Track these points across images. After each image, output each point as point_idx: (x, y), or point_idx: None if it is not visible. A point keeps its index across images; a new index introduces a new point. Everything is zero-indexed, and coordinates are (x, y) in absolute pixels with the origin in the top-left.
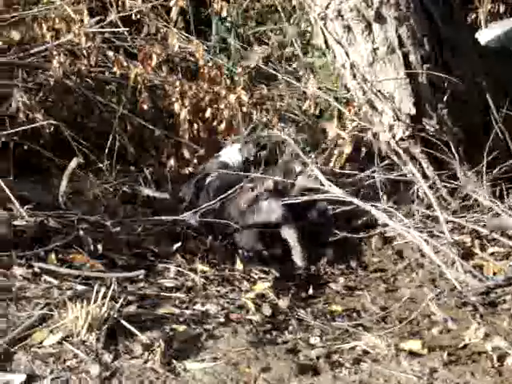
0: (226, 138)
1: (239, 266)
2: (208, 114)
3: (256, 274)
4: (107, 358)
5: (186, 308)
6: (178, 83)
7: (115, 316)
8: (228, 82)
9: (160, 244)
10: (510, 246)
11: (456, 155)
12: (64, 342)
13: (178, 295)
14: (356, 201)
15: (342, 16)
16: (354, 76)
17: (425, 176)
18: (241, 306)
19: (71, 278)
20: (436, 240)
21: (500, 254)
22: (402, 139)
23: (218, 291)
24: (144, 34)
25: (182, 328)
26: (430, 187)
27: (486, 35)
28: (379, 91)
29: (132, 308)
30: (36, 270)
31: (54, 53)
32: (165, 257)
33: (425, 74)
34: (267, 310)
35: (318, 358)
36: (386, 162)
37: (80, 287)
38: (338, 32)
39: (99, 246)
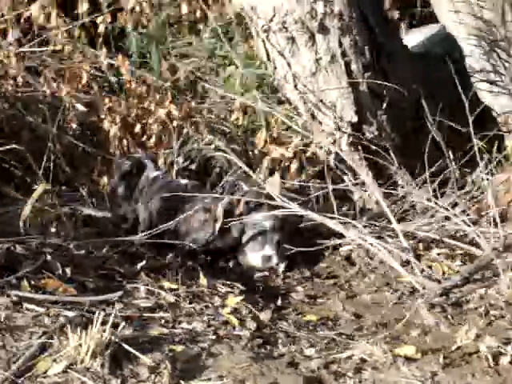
0: (156, 153)
1: (203, 281)
2: (137, 129)
3: (221, 288)
4: (115, 383)
5: (173, 327)
6: (107, 100)
7: (116, 340)
8: (157, 96)
9: (123, 264)
10: (453, 247)
11: (395, 160)
12: (69, 370)
13: (161, 315)
14: (312, 214)
15: (286, 28)
16: (296, 86)
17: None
18: (225, 322)
19: (50, 304)
20: (386, 243)
21: (444, 255)
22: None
23: (194, 308)
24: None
25: (179, 348)
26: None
27: (409, 40)
28: (321, 101)
29: (128, 331)
30: (13, 298)
31: None
32: (130, 277)
33: (365, 82)
34: (252, 325)
35: (318, 368)
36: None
37: (69, 313)
38: (281, 44)
39: (67, 270)
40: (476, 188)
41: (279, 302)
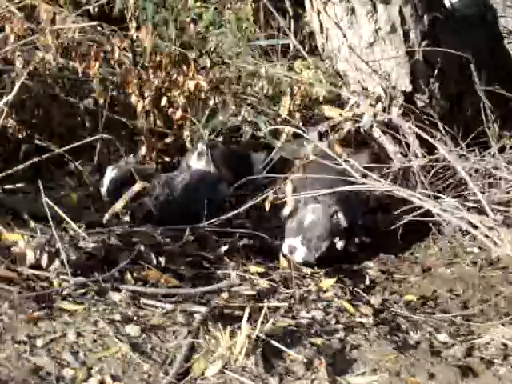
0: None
1: (283, 263)
2: (164, 102)
3: (302, 269)
4: (273, 382)
5: (293, 318)
6: (134, 74)
7: (263, 337)
8: (184, 67)
9: (204, 250)
10: None
11: (441, 128)
12: (225, 370)
13: (276, 304)
14: (400, 190)
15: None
16: (348, 58)
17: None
18: (340, 309)
19: (163, 297)
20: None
21: None
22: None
23: (295, 294)
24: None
25: (319, 341)
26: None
27: None
28: (374, 71)
29: (267, 326)
30: (125, 293)
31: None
32: (216, 262)
33: (421, 51)
34: (368, 311)
35: (464, 357)
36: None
37: (197, 308)
38: (339, 15)
39: (161, 260)
40: None
41: (367, 282)
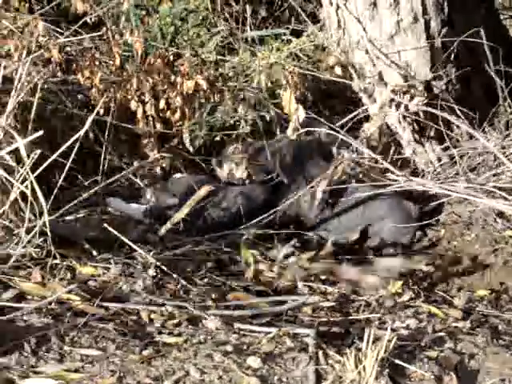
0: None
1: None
2: (162, 104)
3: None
4: None
5: (393, 330)
6: (133, 79)
7: (386, 356)
8: (181, 68)
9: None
10: None
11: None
12: None
13: (367, 315)
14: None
15: None
16: (367, 51)
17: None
18: (429, 314)
19: (250, 318)
20: None
21: None
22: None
23: (369, 300)
24: None
25: (434, 354)
26: None
27: None
28: (392, 62)
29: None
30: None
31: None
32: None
33: (440, 38)
34: (457, 313)
35: None
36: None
37: (306, 330)
38: (359, 10)
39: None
40: None
41: (427, 279)
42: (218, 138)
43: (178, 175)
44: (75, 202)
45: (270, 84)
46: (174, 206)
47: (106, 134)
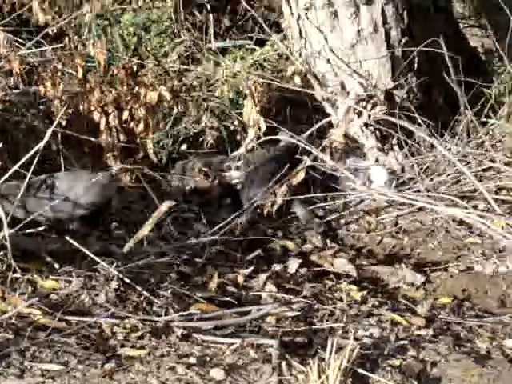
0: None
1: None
2: (125, 115)
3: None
4: None
5: (356, 339)
6: (96, 90)
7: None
8: (146, 79)
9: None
10: None
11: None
12: None
13: (332, 325)
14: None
15: (331, 3)
16: (328, 60)
17: None
18: (392, 322)
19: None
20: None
21: None
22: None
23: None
24: None
25: (397, 362)
26: None
27: None
28: (354, 71)
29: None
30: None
31: None
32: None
33: (400, 47)
34: (420, 321)
35: None
36: None
37: (270, 341)
38: (320, 19)
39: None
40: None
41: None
42: (183, 148)
43: None
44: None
45: (233, 94)
46: None
47: (69, 146)
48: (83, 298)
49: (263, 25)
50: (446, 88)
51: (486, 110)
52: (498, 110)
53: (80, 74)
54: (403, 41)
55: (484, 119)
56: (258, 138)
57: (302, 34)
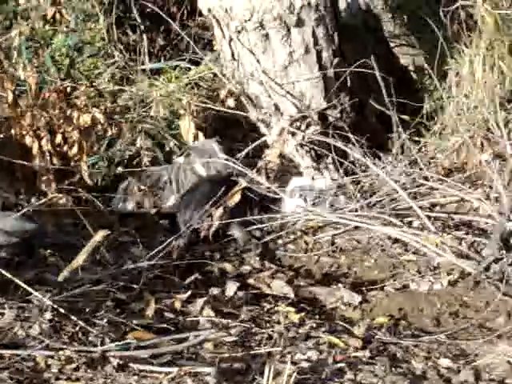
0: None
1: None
2: (59, 139)
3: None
4: None
5: (294, 363)
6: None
7: None
8: (78, 101)
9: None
10: None
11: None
12: None
13: (269, 349)
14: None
15: (262, 26)
16: (261, 82)
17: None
18: (330, 345)
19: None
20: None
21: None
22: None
23: (272, 332)
24: None
25: None
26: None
27: None
28: (288, 92)
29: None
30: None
31: None
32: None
33: (332, 68)
34: (357, 342)
35: (476, 379)
36: None
37: (208, 369)
38: (252, 42)
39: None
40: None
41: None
42: (118, 170)
43: None
44: None
45: (168, 114)
46: None
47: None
48: (16, 330)
49: (195, 47)
50: (378, 107)
51: (418, 128)
52: (430, 127)
53: (10, 99)
54: (335, 61)
55: (416, 138)
56: None
57: (234, 56)
